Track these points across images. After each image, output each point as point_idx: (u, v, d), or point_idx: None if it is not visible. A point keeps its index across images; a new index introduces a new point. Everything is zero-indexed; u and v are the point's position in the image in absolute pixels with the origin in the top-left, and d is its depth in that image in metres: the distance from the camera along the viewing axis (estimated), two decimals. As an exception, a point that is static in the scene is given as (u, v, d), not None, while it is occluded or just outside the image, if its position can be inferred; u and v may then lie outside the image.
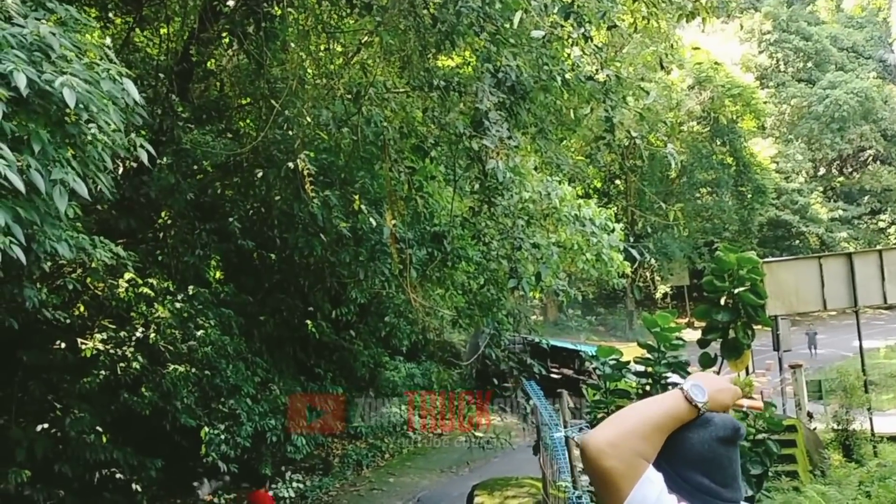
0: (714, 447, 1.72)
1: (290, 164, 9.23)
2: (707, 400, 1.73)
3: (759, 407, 1.85)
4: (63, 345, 11.43)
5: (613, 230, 17.63)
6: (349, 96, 9.53)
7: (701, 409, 1.72)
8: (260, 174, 11.52)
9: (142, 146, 6.13)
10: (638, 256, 15.02)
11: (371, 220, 10.32)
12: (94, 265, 9.02)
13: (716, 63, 40.05)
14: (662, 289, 48.31)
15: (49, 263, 7.85)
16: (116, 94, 5.70)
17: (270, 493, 13.53)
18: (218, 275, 14.66)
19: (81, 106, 5.23)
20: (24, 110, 5.24)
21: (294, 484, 15.03)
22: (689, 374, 5.35)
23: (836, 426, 14.66)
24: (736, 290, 5.02)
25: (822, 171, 55.32)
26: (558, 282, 13.51)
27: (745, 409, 1.79)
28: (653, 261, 38.92)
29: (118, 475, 11.96)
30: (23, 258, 4.70)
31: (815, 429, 15.23)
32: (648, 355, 5.38)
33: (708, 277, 5.23)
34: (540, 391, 10.57)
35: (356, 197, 10.58)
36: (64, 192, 5.02)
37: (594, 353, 5.70)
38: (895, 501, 7.42)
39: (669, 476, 1.70)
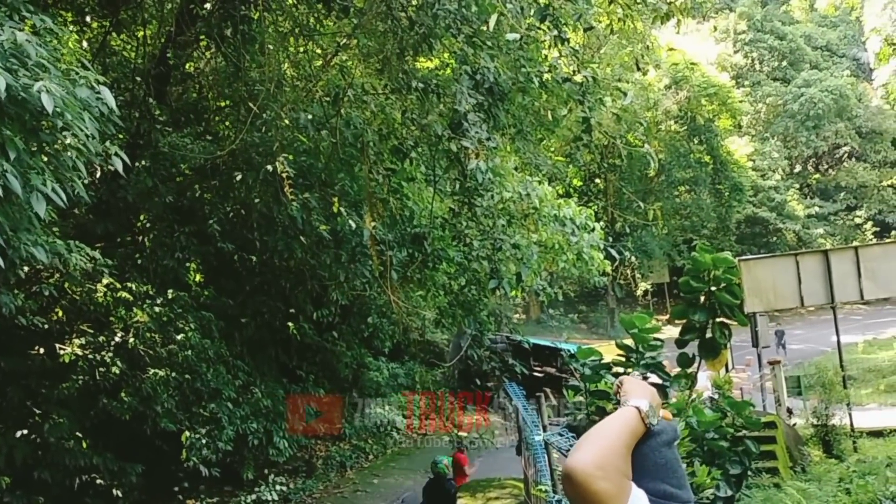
0: (664, 453, 1.76)
1: (269, 167, 9.22)
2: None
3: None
4: (41, 350, 11.34)
5: (593, 229, 17.70)
6: (328, 98, 9.53)
7: (652, 427, 1.77)
8: (239, 177, 11.48)
9: (116, 154, 6.10)
10: (617, 256, 15.11)
11: (351, 222, 10.32)
12: (71, 270, 8.95)
13: (692, 63, 40.33)
14: (643, 286, 48.54)
15: (26, 269, 7.80)
16: (92, 101, 5.70)
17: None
18: (198, 278, 14.59)
19: (58, 111, 5.21)
20: None
21: (277, 487, 14.95)
22: (668, 374, 5.41)
23: (815, 422, 14.78)
24: (712, 290, 5.09)
25: (798, 168, 55.81)
26: (539, 281, 13.56)
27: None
28: (633, 258, 39.16)
29: (98, 481, 11.87)
30: (0, 263, 4.68)
31: (794, 425, 15.35)
32: (627, 356, 5.42)
33: (684, 278, 5.30)
34: (521, 392, 10.62)
35: (336, 199, 10.57)
36: (41, 197, 5.00)
37: (575, 353, 5.74)
38: (874, 499, 7.50)
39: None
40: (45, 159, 5.53)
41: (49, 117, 5.32)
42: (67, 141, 5.43)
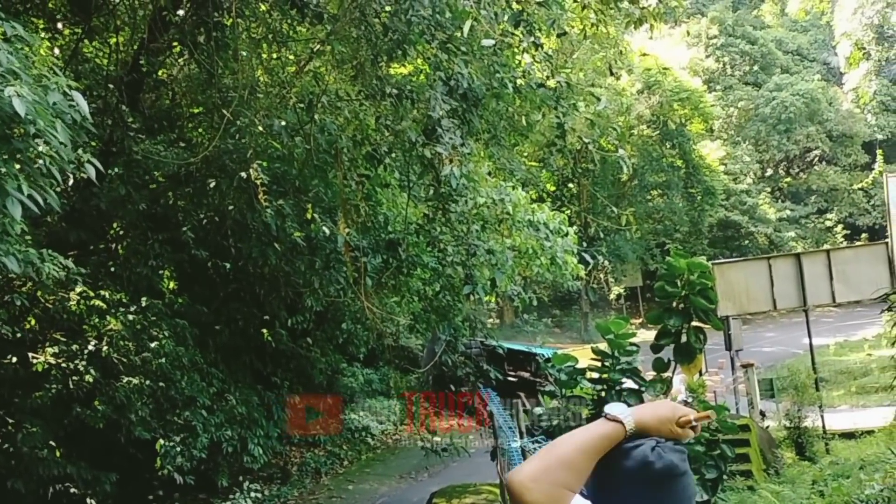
0: (633, 477, 1.72)
1: (243, 174, 9.19)
2: (630, 416, 1.75)
3: (706, 416, 1.85)
4: (14, 359, 11.22)
5: (567, 234, 17.79)
6: (301, 105, 9.51)
7: (626, 427, 1.74)
8: (213, 184, 11.41)
9: (89, 161, 6.07)
10: (591, 260, 15.20)
11: (325, 228, 10.30)
12: (44, 279, 8.87)
13: (664, 68, 40.66)
14: (616, 290, 48.84)
15: (-2, 278, 7.72)
16: (64, 108, 5.66)
17: None
18: (171, 285, 14.49)
19: (29, 118, 5.18)
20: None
21: (252, 493, 14.88)
22: (643, 380, 5.45)
23: (788, 424, 14.95)
24: (687, 295, 5.14)
25: (769, 171, 56.40)
26: (514, 287, 13.61)
27: (694, 424, 1.78)
28: (606, 263, 39.38)
29: (72, 490, 11.76)
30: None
31: (767, 427, 15.53)
32: (602, 361, 5.46)
33: (659, 283, 5.34)
34: (496, 397, 10.64)
35: (310, 206, 10.54)
36: (16, 202, 4.97)
37: (550, 358, 5.77)
38: (848, 502, 7.59)
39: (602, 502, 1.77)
40: (18, 167, 5.48)
41: (21, 123, 5.29)
42: (40, 148, 5.39)
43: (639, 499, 1.71)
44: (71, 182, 10.84)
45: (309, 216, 10.39)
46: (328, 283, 11.20)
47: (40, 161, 5.47)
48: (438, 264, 11.68)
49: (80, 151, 5.94)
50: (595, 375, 5.48)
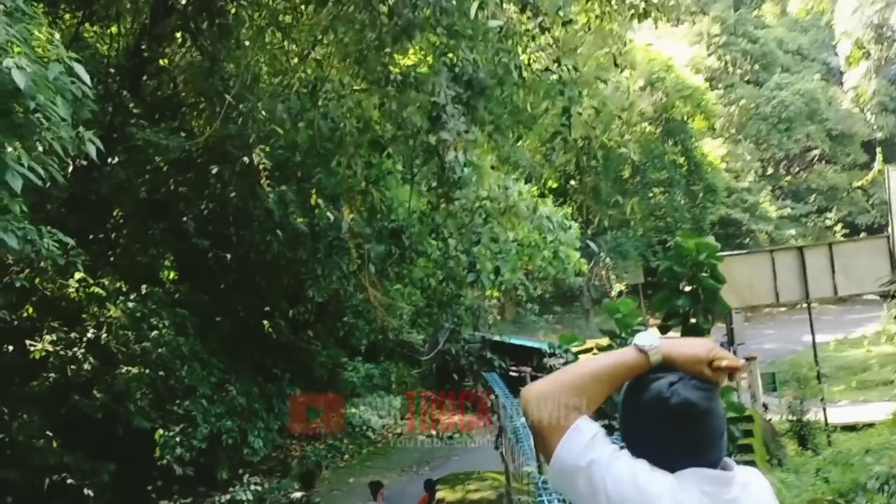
0: (649, 424, 1.65)
1: (246, 159, 9.11)
2: (657, 348, 1.66)
3: (737, 366, 1.74)
4: (10, 347, 11.14)
5: (570, 227, 17.73)
6: (305, 90, 9.43)
7: (651, 358, 1.65)
8: (215, 170, 11.32)
9: (90, 140, 5.99)
10: (595, 249, 15.16)
11: (329, 214, 10.22)
12: (42, 264, 8.79)
13: (668, 65, 40.56)
14: (618, 287, 48.61)
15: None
16: (66, 83, 5.58)
17: None
18: (172, 275, 14.39)
19: (30, 92, 5.11)
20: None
21: (252, 486, 14.76)
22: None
23: (791, 417, 14.89)
24: (696, 275, 5.06)
25: (770, 170, 56.29)
26: (519, 276, 13.55)
27: (723, 367, 1.68)
28: (608, 259, 39.25)
29: (69, 480, 11.65)
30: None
31: (770, 420, 15.46)
32: (610, 342, 5.38)
33: (667, 264, 5.26)
34: (501, 381, 10.57)
35: (313, 192, 10.45)
36: (17, 174, 4.89)
37: (553, 348, 5.71)
38: (854, 486, 7.53)
39: (624, 430, 1.71)
40: (19, 143, 5.41)
41: (21, 97, 5.21)
42: (42, 123, 5.31)
43: (653, 433, 1.64)
44: (71, 169, 10.78)
45: (313, 202, 10.30)
46: (331, 270, 11.11)
47: (41, 135, 5.39)
48: (441, 254, 11.61)
49: (80, 129, 5.85)
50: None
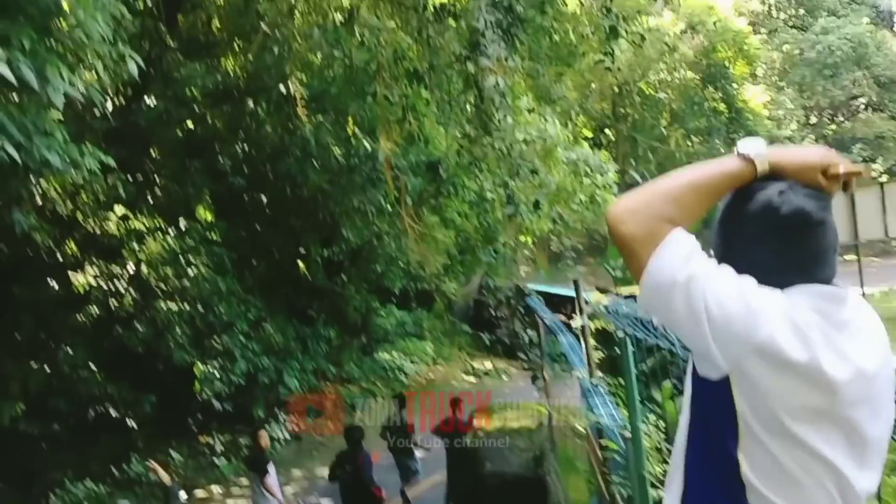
0: (755, 235, 1.51)
1: (283, 88, 9.01)
2: (764, 155, 1.52)
3: (858, 171, 1.56)
4: (54, 281, 11.29)
5: (608, 171, 17.48)
6: (341, 20, 9.28)
7: (758, 166, 1.52)
8: (251, 105, 11.24)
9: (130, 56, 5.95)
10: (640, 180, 14.92)
11: (366, 143, 10.10)
12: (84, 197, 8.83)
13: (709, 7, 39.59)
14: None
15: (39, 187, 7.68)
16: (105, 2, 5.56)
17: None
18: (208, 216, 14.45)
19: (72, 7, 5.08)
20: (5, 13, 5.09)
21: (288, 425, 14.98)
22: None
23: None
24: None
25: (813, 118, 55.10)
26: (558, 209, 13.36)
27: (840, 173, 1.50)
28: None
29: (112, 412, 11.87)
30: (17, 157, 4.57)
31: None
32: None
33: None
34: (543, 304, 10.48)
35: (349, 122, 10.31)
36: (58, 91, 4.87)
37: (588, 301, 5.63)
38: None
39: (724, 246, 1.58)
40: (60, 61, 5.39)
41: (63, 14, 5.19)
42: (82, 39, 5.29)
43: (759, 248, 1.50)
44: (110, 105, 10.79)
45: (350, 131, 10.18)
46: (368, 202, 11.02)
47: (82, 52, 5.37)
48: (478, 194, 11.47)
49: (120, 45, 5.81)
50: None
